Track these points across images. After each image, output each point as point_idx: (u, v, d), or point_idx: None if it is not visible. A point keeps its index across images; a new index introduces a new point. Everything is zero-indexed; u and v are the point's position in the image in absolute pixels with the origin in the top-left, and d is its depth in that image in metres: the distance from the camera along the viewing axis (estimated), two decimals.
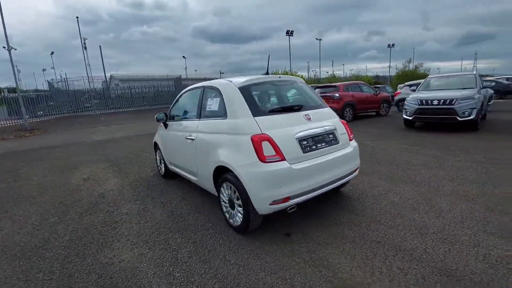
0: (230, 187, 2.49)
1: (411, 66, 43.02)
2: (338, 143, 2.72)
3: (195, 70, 65.81)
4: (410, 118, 7.39)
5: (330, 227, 2.56)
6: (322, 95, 10.23)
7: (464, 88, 7.11)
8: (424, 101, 7.06)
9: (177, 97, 3.83)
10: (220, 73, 55.20)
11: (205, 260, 2.17)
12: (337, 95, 9.88)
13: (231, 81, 2.75)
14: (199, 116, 3.07)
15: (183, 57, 48.41)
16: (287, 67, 34.61)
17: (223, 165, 2.49)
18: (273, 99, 2.80)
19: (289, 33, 28.40)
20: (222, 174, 2.61)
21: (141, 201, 3.51)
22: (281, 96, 2.88)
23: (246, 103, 2.50)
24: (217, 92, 2.84)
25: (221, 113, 2.72)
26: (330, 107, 8.57)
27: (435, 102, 6.84)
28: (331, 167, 2.53)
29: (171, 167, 4.04)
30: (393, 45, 41.33)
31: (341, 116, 8.80)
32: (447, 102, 6.66)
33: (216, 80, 3.06)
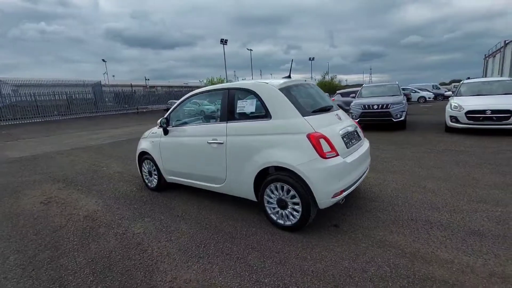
0: (283, 187, 2.50)
1: (328, 77, 49.90)
2: (361, 139, 3.07)
3: (113, 76, 59.24)
4: (357, 120, 8.63)
5: (364, 214, 2.85)
6: None
7: (393, 95, 8.76)
8: (366, 106, 8.37)
9: (180, 101, 3.54)
10: (146, 79, 51.37)
11: (281, 262, 2.12)
12: None
13: (267, 83, 2.77)
14: (226, 119, 2.94)
15: (103, 60, 42.99)
16: (219, 76, 34.91)
17: (277, 165, 2.48)
18: (308, 100, 2.94)
19: (223, 41, 28.85)
20: (267, 176, 2.60)
21: (151, 217, 3.08)
22: (312, 97, 3.04)
23: (292, 104, 2.58)
24: (251, 93, 2.80)
25: (261, 114, 2.70)
26: None
27: (375, 106, 8.21)
28: (362, 160, 2.84)
29: (171, 177, 3.67)
30: (313, 58, 46.79)
31: None
32: (384, 106, 8.08)
33: (245, 82, 3.00)
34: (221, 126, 2.95)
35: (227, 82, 32.16)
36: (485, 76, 13.95)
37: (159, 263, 2.21)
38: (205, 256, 2.26)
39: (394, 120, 7.98)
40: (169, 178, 3.73)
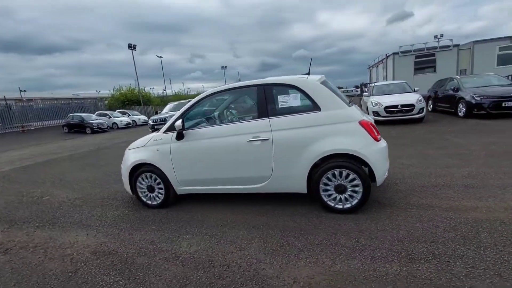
0: (341, 172, 2.66)
1: None
2: None
3: None
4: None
5: (380, 189, 3.32)
6: None
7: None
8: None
9: (196, 101, 3.18)
10: (20, 90, 40.84)
11: (370, 237, 2.28)
12: None
13: (307, 78, 2.89)
14: (267, 114, 2.87)
15: None
16: (129, 84, 31.42)
17: (338, 152, 2.61)
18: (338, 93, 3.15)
19: (132, 47, 25.99)
20: (318, 166, 2.70)
21: (191, 233, 2.65)
22: (337, 92, 3.27)
23: (336, 96, 2.79)
24: (293, 88, 2.85)
25: (308, 107, 2.80)
26: None
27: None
28: None
29: (186, 188, 3.24)
30: (225, 67, 47.99)
31: None
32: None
33: (283, 77, 2.98)
34: (263, 122, 2.86)
35: (139, 91, 29.18)
36: (371, 82, 18.20)
37: (259, 270, 1.99)
38: (299, 252, 2.18)
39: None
40: (183, 189, 3.27)
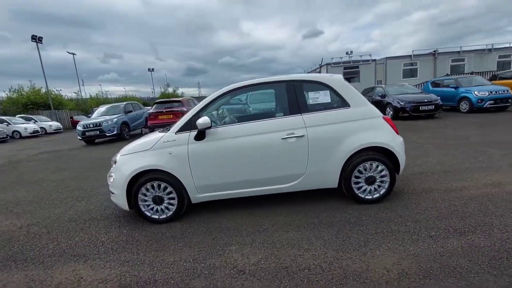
0: (371, 165, 2.82)
1: (169, 89, 49.19)
2: None
3: None
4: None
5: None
6: (168, 110, 9.92)
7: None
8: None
9: (216, 97, 2.86)
10: None
11: (416, 220, 2.50)
12: (185, 109, 10.05)
13: (332, 75, 2.97)
14: (299, 110, 2.81)
15: None
16: (33, 84, 25.86)
17: (371, 145, 2.76)
18: None
19: (37, 39, 21.18)
20: (352, 158, 2.81)
21: (250, 244, 2.35)
22: None
23: (360, 93, 2.97)
24: (322, 85, 2.88)
25: (338, 104, 2.88)
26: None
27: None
28: None
29: (205, 194, 2.88)
30: (152, 69, 44.49)
31: None
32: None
33: (312, 75, 2.95)
34: (296, 118, 2.80)
35: (48, 92, 24.19)
36: None
37: (346, 267, 1.92)
38: (366, 243, 2.19)
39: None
40: (201, 196, 2.88)
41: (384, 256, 2.02)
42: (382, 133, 2.84)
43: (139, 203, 2.85)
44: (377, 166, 2.84)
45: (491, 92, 9.45)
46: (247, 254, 2.20)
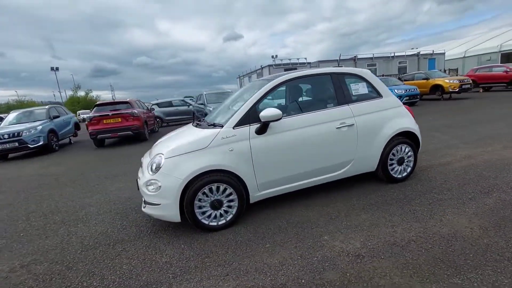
0: (403, 146, 3.23)
1: (81, 92, 42.05)
2: None
3: None
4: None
5: None
6: (116, 113, 8.62)
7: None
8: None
9: (267, 91, 2.74)
10: None
11: (434, 203, 2.99)
12: (136, 111, 8.90)
13: (363, 69, 3.24)
14: (345, 101, 2.97)
15: None
16: None
17: (404, 130, 3.15)
18: None
19: None
20: (390, 142, 3.15)
21: (331, 233, 2.33)
22: None
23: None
24: (359, 77, 3.12)
25: (372, 95, 3.17)
26: (131, 125, 9.02)
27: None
28: None
29: (265, 191, 2.75)
30: (57, 68, 37.22)
31: (142, 133, 8.58)
32: None
33: (349, 68, 3.12)
34: (345, 108, 2.95)
35: None
36: None
37: (452, 233, 2.18)
38: (431, 215, 2.53)
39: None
40: (260, 194, 2.73)
41: (455, 219, 2.39)
42: (407, 119, 3.29)
43: (196, 210, 2.48)
44: (406, 148, 3.27)
45: (406, 90, 11.82)
46: (345, 240, 2.23)
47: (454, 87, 12.46)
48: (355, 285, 1.73)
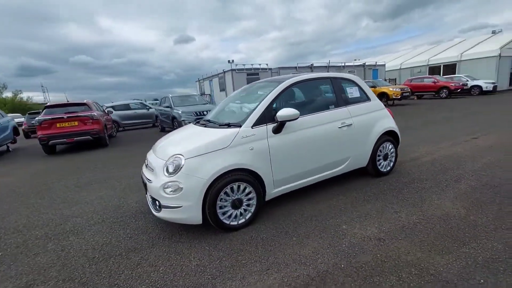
0: (387, 144, 3.65)
1: (9, 94, 35.93)
2: None
3: None
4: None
5: None
6: (72, 116, 7.74)
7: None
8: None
9: (279, 92, 2.86)
10: None
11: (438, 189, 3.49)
12: (95, 114, 8.10)
13: (353, 75, 3.60)
14: (343, 103, 3.25)
15: None
16: None
17: (388, 130, 3.57)
18: None
19: None
20: (378, 140, 3.55)
21: (351, 221, 2.53)
22: None
23: None
24: (352, 82, 3.45)
25: (363, 98, 3.52)
26: (90, 129, 8.56)
27: None
28: None
29: (280, 188, 2.86)
30: None
31: (103, 138, 7.98)
32: None
33: (343, 73, 3.40)
34: (344, 109, 3.24)
35: None
36: (202, 93, 20.46)
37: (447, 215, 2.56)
38: (422, 201, 2.94)
39: None
40: (275, 192, 2.82)
41: (442, 202, 2.82)
42: (390, 120, 3.74)
43: (218, 211, 2.45)
44: (389, 145, 3.71)
45: None
46: (362, 227, 2.46)
47: (397, 94, 14.27)
48: (387, 263, 1.95)
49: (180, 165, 2.37)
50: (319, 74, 3.33)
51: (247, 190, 2.58)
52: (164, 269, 2.09)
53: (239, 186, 2.53)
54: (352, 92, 3.47)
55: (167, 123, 10.75)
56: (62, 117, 7.61)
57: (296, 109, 2.76)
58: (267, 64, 17.75)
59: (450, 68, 21.29)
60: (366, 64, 21.25)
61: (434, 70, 22.25)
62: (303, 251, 2.18)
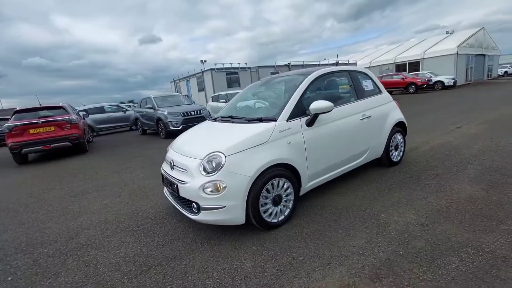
0: (397, 135, 3.79)
1: None
2: None
3: None
4: None
5: None
6: (47, 120, 7.04)
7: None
8: None
9: (308, 85, 2.83)
10: None
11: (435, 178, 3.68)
12: (74, 118, 7.44)
13: (366, 69, 3.68)
14: (362, 96, 3.31)
15: None
16: None
17: (399, 121, 3.71)
18: None
19: None
20: (391, 131, 3.67)
21: (389, 207, 2.57)
22: None
23: None
24: (366, 75, 3.53)
25: (376, 91, 3.62)
26: (69, 134, 8.02)
27: None
28: None
29: (313, 182, 2.83)
30: None
31: (83, 144, 7.52)
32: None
33: (357, 67, 3.45)
34: (363, 102, 3.30)
35: None
36: (181, 93, 19.78)
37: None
38: (440, 189, 3.10)
39: None
40: (308, 186, 2.79)
41: (461, 186, 2.99)
42: (398, 111, 3.89)
43: (260, 208, 2.35)
44: (399, 136, 3.86)
45: None
46: (400, 215, 2.52)
47: None
48: (442, 246, 2.00)
49: (220, 163, 2.24)
50: (338, 67, 3.36)
51: (285, 186, 2.51)
52: (218, 275, 1.95)
53: (278, 182, 2.45)
54: (367, 85, 3.55)
55: (150, 126, 10.23)
56: (36, 122, 6.87)
57: (333, 99, 2.77)
58: (246, 63, 17.67)
59: (414, 66, 22.96)
60: (339, 62, 22.13)
61: (400, 67, 23.84)
62: (355, 242, 2.17)
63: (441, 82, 18.35)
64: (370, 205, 2.78)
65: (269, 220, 2.43)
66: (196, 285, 1.87)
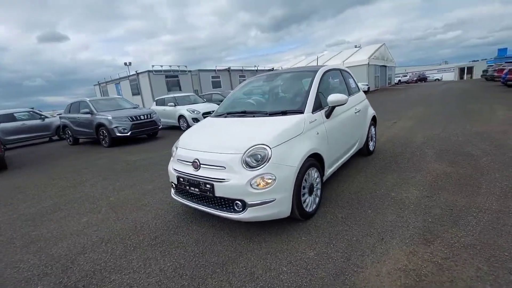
0: (372, 127, 4.35)
1: None
2: None
3: None
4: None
5: None
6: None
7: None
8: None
9: (320, 79, 2.99)
10: None
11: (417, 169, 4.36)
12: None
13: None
14: (351, 92, 3.68)
15: None
16: None
17: (374, 115, 4.26)
18: None
19: None
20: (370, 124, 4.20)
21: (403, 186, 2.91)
22: None
23: None
24: (350, 74, 3.95)
25: (356, 89, 4.08)
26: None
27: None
28: None
29: (329, 171, 2.99)
30: None
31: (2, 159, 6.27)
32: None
33: (343, 67, 3.78)
34: (352, 97, 3.67)
35: None
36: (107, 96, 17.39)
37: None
38: (419, 170, 3.71)
39: None
40: (327, 175, 2.94)
41: (433, 165, 3.64)
42: (371, 107, 4.47)
43: (302, 198, 2.38)
44: (373, 128, 4.44)
45: None
46: (407, 191, 2.91)
47: None
48: (455, 210, 2.43)
49: (266, 156, 2.17)
50: (335, 65, 3.68)
51: (315, 175, 2.60)
52: (288, 268, 1.89)
53: (311, 172, 2.52)
54: (352, 83, 3.98)
55: (87, 133, 8.78)
56: None
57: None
58: (186, 66, 17.02)
59: None
60: (282, 68, 23.60)
61: None
62: (388, 218, 2.42)
63: None
64: (377, 187, 3.12)
65: (307, 209, 2.47)
66: (272, 282, 1.77)
